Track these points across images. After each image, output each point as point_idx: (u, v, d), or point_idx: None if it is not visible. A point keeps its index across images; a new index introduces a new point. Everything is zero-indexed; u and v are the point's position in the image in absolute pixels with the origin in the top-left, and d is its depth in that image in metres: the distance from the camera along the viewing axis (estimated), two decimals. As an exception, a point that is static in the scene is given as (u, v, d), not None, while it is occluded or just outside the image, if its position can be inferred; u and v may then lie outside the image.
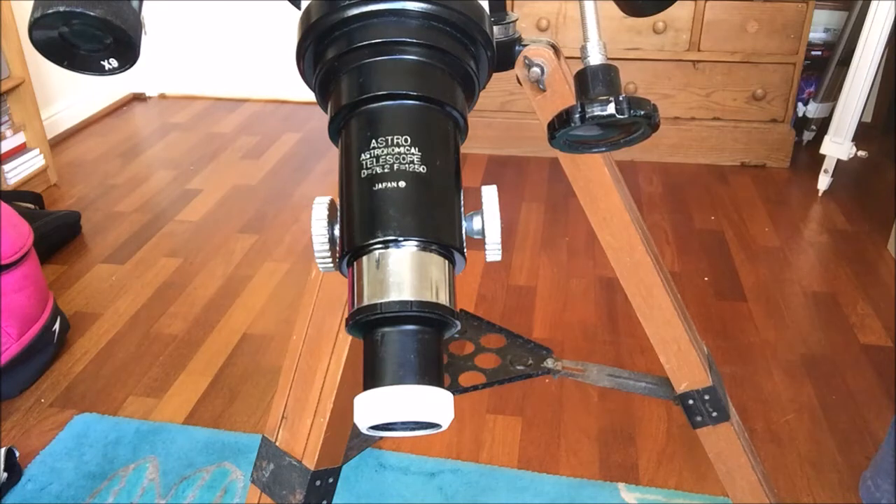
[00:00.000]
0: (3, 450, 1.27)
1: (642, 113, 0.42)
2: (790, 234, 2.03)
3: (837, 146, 2.12)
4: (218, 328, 1.65)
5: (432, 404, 0.32)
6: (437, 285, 0.34)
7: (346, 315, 0.45)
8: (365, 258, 0.35)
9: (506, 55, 0.61)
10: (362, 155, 0.36)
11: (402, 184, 0.35)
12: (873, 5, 2.00)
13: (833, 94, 2.33)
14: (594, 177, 0.68)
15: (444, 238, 0.35)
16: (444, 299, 0.34)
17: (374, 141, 0.36)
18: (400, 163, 0.35)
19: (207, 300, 1.75)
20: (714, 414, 0.80)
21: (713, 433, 0.82)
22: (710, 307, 1.72)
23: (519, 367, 0.99)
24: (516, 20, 0.62)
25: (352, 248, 0.35)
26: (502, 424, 1.38)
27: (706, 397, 0.79)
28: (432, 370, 0.33)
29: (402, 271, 0.34)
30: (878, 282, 1.82)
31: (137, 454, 1.32)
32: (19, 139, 2.23)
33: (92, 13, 0.37)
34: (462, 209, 0.37)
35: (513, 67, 0.62)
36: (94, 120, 2.85)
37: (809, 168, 2.39)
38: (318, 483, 0.65)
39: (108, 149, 2.61)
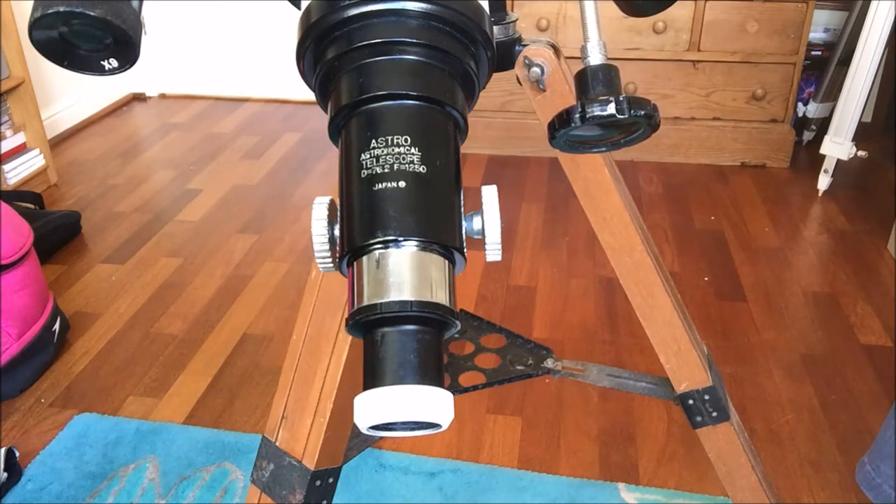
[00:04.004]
0: (3, 450, 1.27)
1: (642, 113, 0.42)
2: (790, 234, 2.03)
3: (837, 146, 2.12)
4: (218, 328, 1.65)
5: (432, 404, 0.32)
6: (437, 285, 0.34)
7: (346, 315, 0.45)
8: (365, 258, 0.35)
9: (506, 55, 0.61)
10: (362, 155, 0.36)
11: (402, 184, 0.35)
12: (873, 5, 2.00)
13: (833, 94, 2.33)
14: (594, 177, 0.68)
15: (444, 238, 0.35)
16: (444, 299, 0.34)
17: (374, 141, 0.36)
18: (400, 163, 0.35)
19: (207, 300, 1.75)
20: (714, 414, 0.80)
21: (713, 433, 0.82)
22: (710, 307, 1.72)
23: (519, 367, 0.99)
24: (516, 20, 0.62)
25: (352, 248, 0.35)
26: (502, 424, 1.38)
27: (706, 397, 0.79)
28: (432, 370, 0.33)
29: (402, 271, 0.34)
30: (878, 282, 1.82)
31: (137, 454, 1.32)
32: (19, 139, 2.23)
33: (92, 13, 0.37)
34: (462, 209, 0.37)
35: (513, 67, 0.62)
36: (94, 120, 2.85)
37: (809, 168, 2.39)
38: (318, 483, 0.65)
39: (108, 149, 2.61)
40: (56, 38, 0.39)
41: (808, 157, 2.47)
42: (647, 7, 0.53)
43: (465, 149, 2.43)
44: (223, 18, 2.94)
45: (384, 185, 0.35)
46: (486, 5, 0.41)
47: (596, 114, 0.42)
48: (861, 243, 1.98)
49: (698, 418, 0.80)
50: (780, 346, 1.59)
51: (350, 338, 0.60)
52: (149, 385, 1.49)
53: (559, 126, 0.43)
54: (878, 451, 0.77)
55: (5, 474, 1.25)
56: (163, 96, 3.11)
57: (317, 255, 0.37)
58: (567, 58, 0.64)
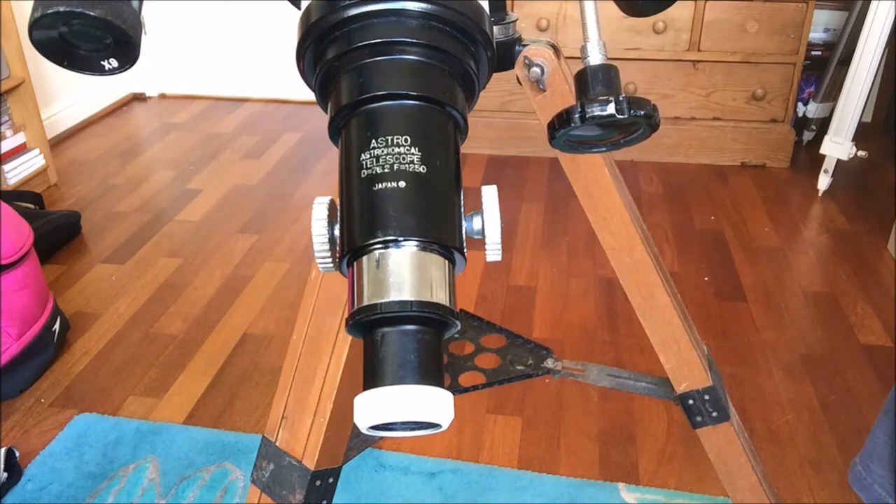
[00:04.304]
0: (3, 450, 1.27)
1: (642, 113, 0.42)
2: (790, 234, 2.03)
3: (837, 146, 2.12)
4: (218, 328, 1.65)
5: (432, 404, 0.32)
6: (437, 285, 0.34)
7: (346, 315, 0.45)
8: (365, 258, 0.35)
9: (506, 55, 0.61)
10: (362, 155, 0.36)
11: (402, 184, 0.35)
12: (873, 5, 2.00)
13: (833, 94, 2.33)
14: (594, 177, 0.68)
15: (444, 238, 0.35)
16: (444, 299, 0.34)
17: (374, 141, 0.36)
18: (400, 163, 0.35)
19: (207, 300, 1.75)
20: (714, 414, 0.80)
21: (713, 433, 0.82)
22: (710, 307, 1.72)
23: (519, 367, 0.99)
24: (516, 20, 0.62)
25: (352, 248, 0.35)
26: (502, 424, 1.38)
27: (706, 397, 0.79)
28: (432, 370, 0.33)
29: (402, 271, 0.34)
30: (878, 282, 1.82)
31: (137, 454, 1.32)
32: (19, 139, 2.23)
33: (92, 13, 0.37)
34: (462, 209, 0.37)
35: (513, 67, 0.62)
36: (94, 120, 2.85)
37: (809, 168, 2.39)
38: (318, 483, 0.65)
39: (108, 149, 2.61)
40: (56, 38, 0.39)
41: (808, 157, 2.47)
42: (647, 7, 0.53)
43: (465, 149, 2.43)
44: (223, 18, 2.94)
45: (384, 185, 0.35)
46: (486, 5, 0.41)
47: (596, 114, 0.42)
48: (861, 243, 1.98)
49: (698, 418, 0.80)
50: (780, 346, 1.59)
51: (350, 338, 0.60)
52: (149, 385, 1.49)
53: (559, 126, 0.43)
54: (868, 452, 0.77)
55: (5, 474, 1.25)
56: (163, 96, 3.11)
57: (317, 255, 0.37)
58: (567, 58, 0.64)
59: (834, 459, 1.30)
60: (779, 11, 2.25)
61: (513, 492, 1.23)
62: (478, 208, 0.37)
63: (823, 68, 2.43)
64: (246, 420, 1.40)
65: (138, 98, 3.10)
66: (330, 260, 0.37)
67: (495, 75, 0.46)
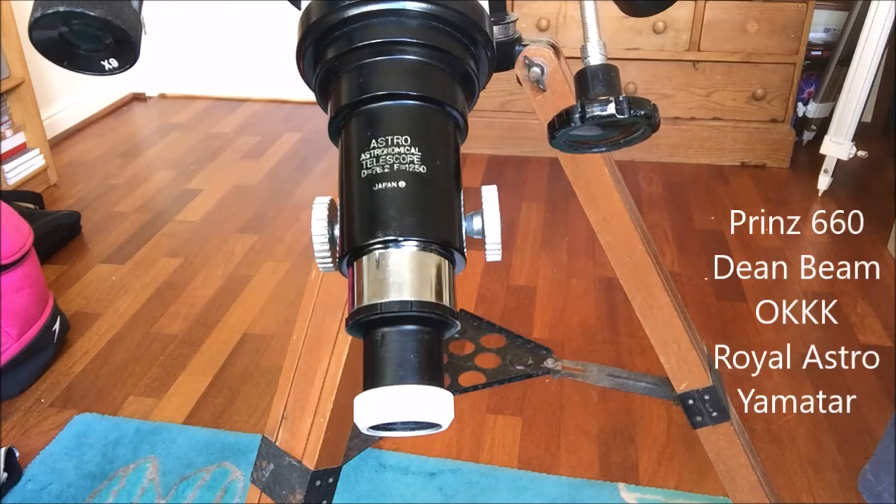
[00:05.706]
0: (3, 450, 1.27)
1: (642, 113, 0.42)
2: (790, 235, 2.03)
3: (837, 146, 2.12)
4: (218, 328, 1.65)
5: (432, 404, 0.32)
6: (437, 285, 0.34)
7: (346, 315, 0.45)
8: (365, 258, 0.35)
9: (506, 55, 0.61)
10: (362, 155, 0.36)
11: (402, 184, 0.35)
12: (873, 5, 2.00)
13: (833, 94, 2.33)
14: (594, 177, 0.68)
15: (444, 238, 0.35)
16: (444, 299, 0.34)
17: (374, 141, 0.36)
18: (400, 163, 0.35)
19: (207, 300, 1.75)
20: (714, 414, 0.80)
21: (713, 433, 0.82)
22: (710, 307, 1.72)
23: (519, 367, 0.99)
24: (516, 20, 0.62)
25: (352, 248, 0.35)
26: (502, 424, 1.38)
27: (706, 397, 0.79)
28: (432, 370, 0.33)
29: (402, 271, 0.34)
30: (878, 282, 1.82)
31: (137, 454, 1.31)
32: (19, 139, 2.23)
33: (92, 13, 0.37)
34: (462, 209, 0.37)
35: (513, 67, 0.62)
36: (94, 120, 2.85)
37: (809, 168, 2.39)
38: (318, 483, 0.65)
39: (108, 149, 2.61)
40: (56, 38, 0.39)
41: (808, 157, 2.47)
42: (647, 7, 0.53)
43: (465, 149, 2.42)
44: (223, 18, 2.94)
45: (384, 185, 0.35)
46: (486, 5, 0.41)
47: (596, 114, 0.42)
48: (861, 243, 1.98)
49: (698, 418, 0.80)
50: (780, 346, 1.59)
51: (350, 338, 0.60)
52: (149, 385, 1.49)
53: (559, 126, 0.43)
54: (878, 460, 0.77)
55: (5, 474, 1.25)
56: (163, 96, 3.11)
57: (317, 255, 0.37)
58: (567, 58, 0.64)
59: (834, 460, 1.30)
60: (779, 11, 2.25)
61: (513, 492, 1.23)
62: (478, 208, 0.37)
63: (823, 68, 2.43)
64: (246, 420, 1.40)
65: (138, 98, 3.10)
66: (330, 260, 0.37)
67: (495, 75, 0.46)
